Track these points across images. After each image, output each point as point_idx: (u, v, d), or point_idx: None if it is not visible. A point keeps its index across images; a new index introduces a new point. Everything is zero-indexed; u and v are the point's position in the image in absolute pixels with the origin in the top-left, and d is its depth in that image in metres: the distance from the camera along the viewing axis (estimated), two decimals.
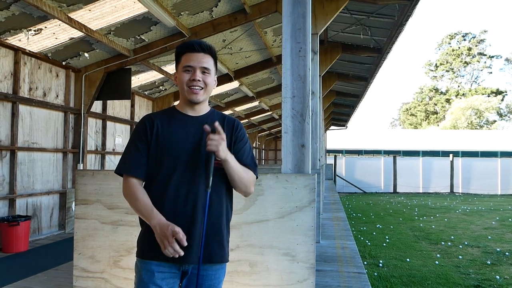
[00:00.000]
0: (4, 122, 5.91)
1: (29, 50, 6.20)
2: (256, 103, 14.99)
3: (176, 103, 1.96)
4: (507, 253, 7.29)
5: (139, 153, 1.72)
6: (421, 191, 23.91)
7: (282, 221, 3.08)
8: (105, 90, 7.55)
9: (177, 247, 1.55)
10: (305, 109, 3.13)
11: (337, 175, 24.81)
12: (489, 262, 6.63)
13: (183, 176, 1.69)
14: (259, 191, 3.13)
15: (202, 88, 1.75)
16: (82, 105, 7.44)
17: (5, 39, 5.76)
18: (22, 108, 6.23)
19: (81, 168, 7.51)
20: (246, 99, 13.88)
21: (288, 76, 3.17)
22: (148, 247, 1.69)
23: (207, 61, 1.75)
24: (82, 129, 7.51)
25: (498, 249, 7.63)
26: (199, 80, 1.72)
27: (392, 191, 24.00)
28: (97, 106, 8.19)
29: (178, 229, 1.56)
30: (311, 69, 3.38)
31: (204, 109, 1.82)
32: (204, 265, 1.69)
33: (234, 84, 11.32)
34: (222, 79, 10.67)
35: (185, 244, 1.56)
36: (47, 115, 6.81)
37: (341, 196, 20.26)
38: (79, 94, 7.42)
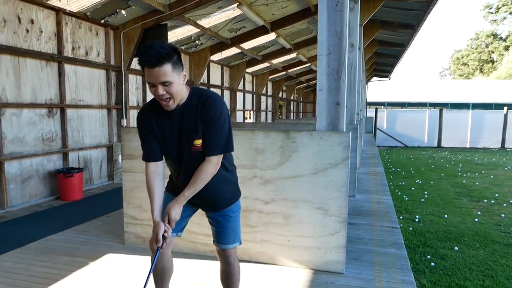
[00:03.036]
0: (53, 81, 6.24)
1: (69, 10, 6.37)
2: (293, 55, 14.69)
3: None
4: None
5: (149, 142, 2.04)
6: (468, 146, 23.01)
7: (316, 177, 3.17)
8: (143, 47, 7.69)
9: (159, 244, 1.97)
10: (341, 66, 3.10)
11: (378, 129, 24.27)
12: None
13: (175, 157, 2.05)
14: (293, 148, 3.22)
15: (170, 98, 1.89)
16: (122, 62, 7.67)
17: (47, 1, 5.94)
18: (67, 68, 6.52)
19: (125, 123, 7.88)
20: (283, 51, 13.63)
21: (324, 32, 3.12)
22: (169, 185, 2.22)
23: (164, 73, 1.82)
24: (123, 86, 7.79)
25: None
26: (163, 94, 1.87)
27: (436, 146, 23.30)
28: (136, 63, 8.37)
29: (160, 231, 1.96)
30: (350, 20, 3.29)
31: (183, 99, 1.97)
32: (209, 212, 2.20)
33: (271, 36, 11.11)
34: (258, 32, 10.49)
35: (160, 244, 1.97)
36: (90, 73, 7.10)
37: (381, 150, 19.99)
38: (119, 51, 7.62)
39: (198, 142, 1.97)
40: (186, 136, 1.98)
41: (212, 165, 1.97)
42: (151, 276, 1.99)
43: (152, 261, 1.95)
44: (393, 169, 12.97)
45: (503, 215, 6.95)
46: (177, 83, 1.88)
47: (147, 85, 1.98)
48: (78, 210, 5.54)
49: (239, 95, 15.43)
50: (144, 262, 3.43)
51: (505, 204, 7.81)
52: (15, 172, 5.60)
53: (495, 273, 4.49)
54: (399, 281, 3.08)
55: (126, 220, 3.87)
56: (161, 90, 1.85)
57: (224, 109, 1.99)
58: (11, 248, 3.81)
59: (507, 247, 5.34)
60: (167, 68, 1.82)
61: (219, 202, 2.14)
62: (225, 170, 2.13)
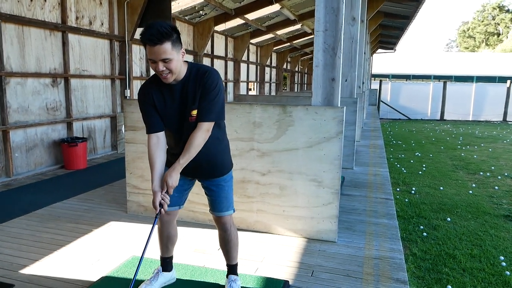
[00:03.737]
0: (57, 51, 6.28)
1: None
2: (298, 26, 14.52)
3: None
4: None
5: (151, 115, 2.15)
6: (470, 119, 22.99)
7: (311, 150, 3.29)
8: (147, 17, 7.67)
9: (157, 210, 2.09)
10: (336, 43, 3.15)
11: (382, 101, 24.19)
12: None
13: (175, 128, 2.17)
14: (289, 122, 3.32)
15: (169, 72, 2.00)
16: (126, 32, 7.66)
17: None
18: (71, 37, 6.55)
19: (128, 93, 7.95)
20: (287, 22, 13.47)
21: (321, 9, 3.16)
22: (168, 161, 2.25)
23: (165, 50, 1.92)
24: (127, 56, 7.81)
25: None
26: (163, 70, 1.98)
27: (438, 118, 23.28)
28: (140, 33, 8.38)
29: (157, 199, 2.09)
30: None
31: (181, 74, 2.08)
32: (204, 182, 2.33)
33: (275, 7, 10.98)
34: (262, 2, 10.37)
35: (157, 211, 2.09)
36: (94, 43, 7.12)
37: (384, 123, 20.03)
38: (122, 21, 7.60)
39: (195, 112, 2.09)
40: (185, 107, 2.11)
41: (202, 132, 2.09)
42: (152, 239, 2.15)
43: (152, 226, 2.10)
44: (394, 141, 13.07)
45: (496, 187, 7.10)
46: (176, 59, 1.99)
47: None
48: (82, 179, 5.72)
49: (243, 66, 15.37)
50: (145, 230, 3.60)
51: (500, 177, 7.95)
52: (20, 141, 5.74)
53: (484, 243, 4.68)
54: (388, 249, 3.25)
55: (129, 190, 4.03)
56: (161, 66, 1.97)
57: (219, 82, 2.12)
58: (17, 215, 3.99)
59: (497, 218, 5.51)
60: (167, 46, 1.93)
61: (214, 169, 2.27)
62: (220, 141, 2.27)
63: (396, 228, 3.76)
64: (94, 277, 2.70)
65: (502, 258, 4.25)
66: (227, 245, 2.41)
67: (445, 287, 3.67)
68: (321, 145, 3.25)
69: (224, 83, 13.55)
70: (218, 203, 2.31)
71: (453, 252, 4.41)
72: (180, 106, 2.12)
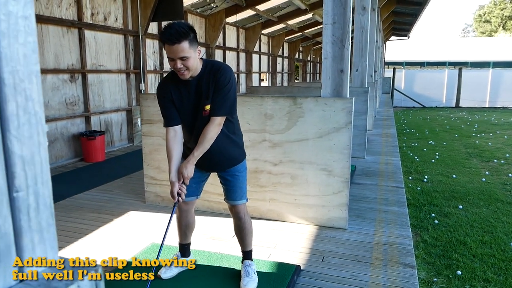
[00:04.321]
0: (74, 47, 6.48)
1: None
2: (309, 16, 14.45)
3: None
4: None
5: (169, 109, 2.28)
6: (487, 106, 22.62)
7: (321, 140, 3.39)
8: (159, 12, 7.80)
9: (175, 200, 2.26)
10: (345, 35, 3.23)
11: (395, 89, 23.95)
12: None
13: (189, 122, 2.30)
14: (300, 113, 3.43)
15: (187, 69, 2.13)
16: (140, 27, 7.81)
17: None
18: (87, 33, 6.73)
19: (143, 87, 8.13)
20: (299, 12, 13.44)
21: (329, 2, 3.23)
22: (184, 153, 2.38)
23: (182, 49, 2.05)
24: (141, 51, 7.98)
25: None
26: (181, 67, 2.11)
27: (454, 106, 22.97)
28: (153, 27, 8.53)
29: (175, 189, 2.24)
30: None
31: (197, 70, 2.21)
32: (220, 172, 2.45)
33: None
34: None
35: (176, 200, 2.26)
36: (109, 38, 7.29)
37: (398, 111, 19.88)
38: (136, 16, 7.75)
39: (208, 107, 2.23)
40: (199, 102, 2.24)
41: (215, 125, 2.22)
42: (170, 227, 2.29)
43: (171, 215, 2.24)
44: (408, 130, 13.02)
45: (510, 174, 7.09)
46: (193, 57, 2.13)
47: (163, 51, 2.22)
48: (101, 171, 5.93)
49: (255, 57, 15.42)
50: (163, 219, 3.77)
51: None
52: None
53: (495, 229, 4.73)
54: (397, 236, 3.35)
55: (146, 181, 4.20)
56: (179, 64, 2.10)
57: (232, 77, 2.25)
58: None
59: (510, 205, 5.53)
60: (185, 45, 2.07)
61: (227, 161, 2.40)
62: (232, 134, 2.39)
63: (406, 215, 3.85)
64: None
65: None
66: (242, 233, 2.54)
67: (454, 272, 3.75)
68: (330, 135, 3.35)
69: (236, 75, 13.66)
70: (233, 193, 2.45)
71: (464, 239, 4.48)
72: (195, 101, 2.25)
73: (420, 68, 26.57)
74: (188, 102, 2.27)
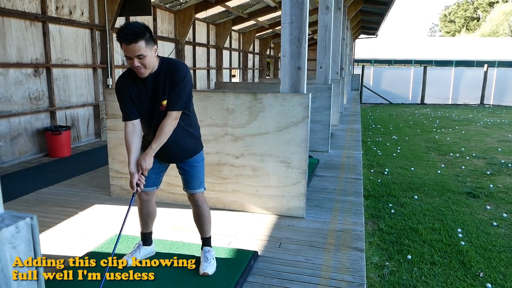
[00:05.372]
0: (38, 41, 6.39)
1: None
2: (279, 13, 14.64)
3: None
4: (509, 165, 7.66)
5: (127, 105, 2.39)
6: (449, 103, 23.60)
7: (280, 134, 3.57)
8: (126, 6, 7.76)
9: (134, 190, 2.37)
10: (302, 34, 3.40)
11: (364, 86, 24.58)
12: (488, 172, 7.05)
13: (148, 116, 2.41)
14: (260, 108, 3.59)
15: (144, 67, 2.24)
16: (106, 21, 7.76)
17: None
18: (52, 27, 6.64)
19: (110, 82, 8.08)
20: (269, 9, 13.61)
21: (287, 2, 3.40)
22: (143, 145, 2.51)
23: (139, 48, 2.17)
24: (108, 45, 7.93)
25: (502, 161, 7.99)
26: (138, 65, 2.23)
27: (419, 102, 23.82)
28: (120, 22, 8.47)
29: (134, 180, 2.35)
30: None
31: (154, 68, 2.32)
32: (178, 163, 2.58)
33: None
34: None
35: (135, 189, 2.37)
36: (74, 32, 7.21)
37: (366, 107, 20.44)
38: (103, 11, 7.69)
39: (165, 102, 2.35)
40: (156, 98, 2.36)
41: (171, 120, 2.34)
42: (129, 217, 2.40)
43: (129, 205, 2.35)
44: (374, 126, 13.46)
45: (463, 167, 7.53)
46: (149, 56, 2.25)
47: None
48: (67, 166, 5.90)
49: (226, 53, 15.49)
50: None
51: (468, 157, 8.40)
52: (4, 130, 5.88)
53: (445, 217, 5.07)
54: (351, 223, 3.57)
55: (112, 174, 4.26)
56: (136, 62, 2.23)
57: (187, 74, 2.38)
58: (3, 201, 4.16)
59: (460, 195, 5.92)
60: (141, 44, 2.19)
61: (185, 152, 2.54)
62: (189, 126, 2.53)
63: (361, 204, 4.09)
64: (80, 253, 2.95)
65: (459, 230, 4.64)
66: (200, 220, 2.68)
67: (405, 257, 4.02)
68: (289, 129, 3.53)
69: (206, 71, 13.72)
70: (191, 182, 2.58)
71: (416, 226, 4.79)
72: (152, 96, 2.36)
73: (388, 66, 27.34)
74: (146, 97, 2.38)
